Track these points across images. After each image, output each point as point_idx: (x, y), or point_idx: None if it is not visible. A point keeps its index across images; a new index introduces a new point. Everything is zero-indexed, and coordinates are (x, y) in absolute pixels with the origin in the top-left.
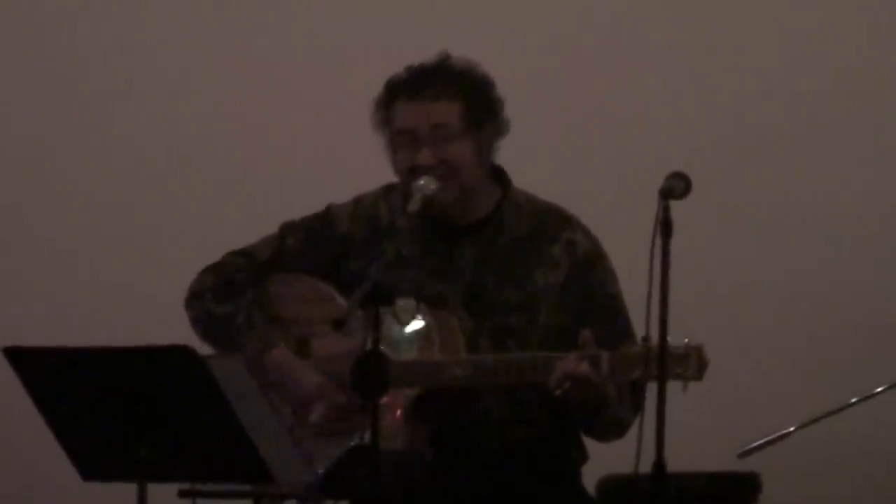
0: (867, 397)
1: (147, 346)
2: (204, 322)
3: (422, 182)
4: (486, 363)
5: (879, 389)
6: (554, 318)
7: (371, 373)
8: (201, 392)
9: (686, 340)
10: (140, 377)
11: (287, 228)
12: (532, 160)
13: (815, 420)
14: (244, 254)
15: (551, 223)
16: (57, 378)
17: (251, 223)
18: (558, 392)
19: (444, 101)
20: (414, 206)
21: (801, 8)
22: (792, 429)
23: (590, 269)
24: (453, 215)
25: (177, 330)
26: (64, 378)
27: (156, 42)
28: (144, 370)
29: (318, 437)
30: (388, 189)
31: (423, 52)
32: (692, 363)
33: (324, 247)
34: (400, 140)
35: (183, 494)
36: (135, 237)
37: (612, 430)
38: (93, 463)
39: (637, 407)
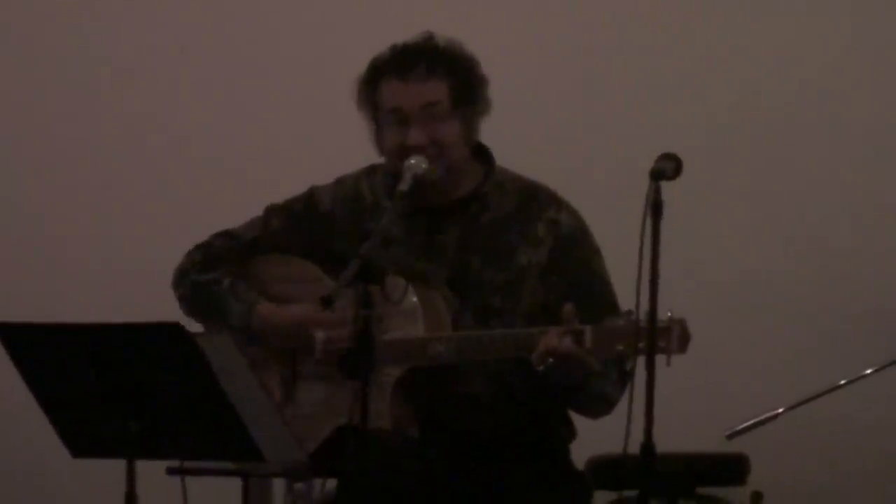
0: (856, 379)
1: (137, 323)
2: (189, 294)
3: (413, 161)
4: (469, 339)
5: (868, 371)
6: (538, 296)
7: (360, 351)
8: (191, 369)
9: (669, 314)
10: (130, 354)
11: (271, 210)
12: (523, 140)
13: (804, 402)
14: (229, 235)
15: (535, 202)
16: (46, 354)
17: (244, 205)
18: (541, 367)
19: (435, 79)
20: (405, 185)
21: None
22: (780, 410)
23: (574, 248)
24: (437, 194)
25: (170, 310)
26: (53, 354)
27: (146, 29)
28: (134, 347)
29: (313, 396)
30: (370, 169)
31: (409, 33)
32: (675, 336)
33: (307, 228)
34: (389, 119)
35: (172, 472)
36: (129, 218)
37: (598, 405)
38: (82, 440)
39: (623, 382)
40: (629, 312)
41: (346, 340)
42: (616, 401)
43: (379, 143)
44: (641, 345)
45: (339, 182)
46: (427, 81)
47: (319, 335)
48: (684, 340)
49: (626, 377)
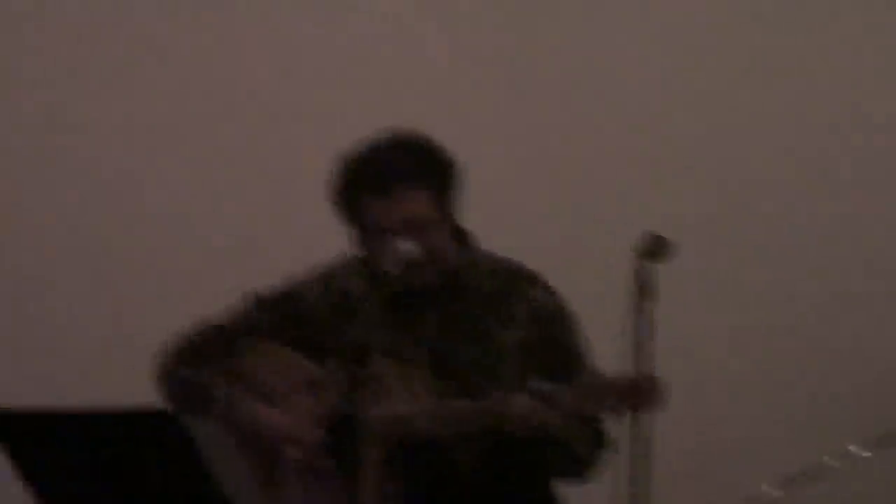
0: (843, 457)
1: (125, 410)
2: (174, 389)
3: (402, 246)
4: (445, 410)
5: (854, 450)
6: (519, 376)
7: (347, 437)
8: (180, 457)
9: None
10: (120, 441)
11: (256, 303)
12: (509, 218)
13: (794, 479)
14: (213, 327)
15: (513, 282)
16: (31, 440)
17: (225, 286)
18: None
19: (418, 192)
20: (394, 269)
21: (783, 61)
22: (771, 489)
23: (551, 327)
24: (418, 278)
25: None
26: (39, 441)
27: (145, 78)
28: (124, 434)
29: (299, 479)
30: (351, 260)
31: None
32: (647, 392)
33: (291, 323)
34: (374, 231)
35: None
36: (118, 297)
37: (569, 466)
38: None
39: (597, 444)
40: (604, 374)
41: (319, 462)
42: (589, 463)
43: (363, 245)
44: (617, 403)
45: (322, 276)
46: (411, 195)
47: (292, 454)
48: (658, 397)
49: (601, 440)
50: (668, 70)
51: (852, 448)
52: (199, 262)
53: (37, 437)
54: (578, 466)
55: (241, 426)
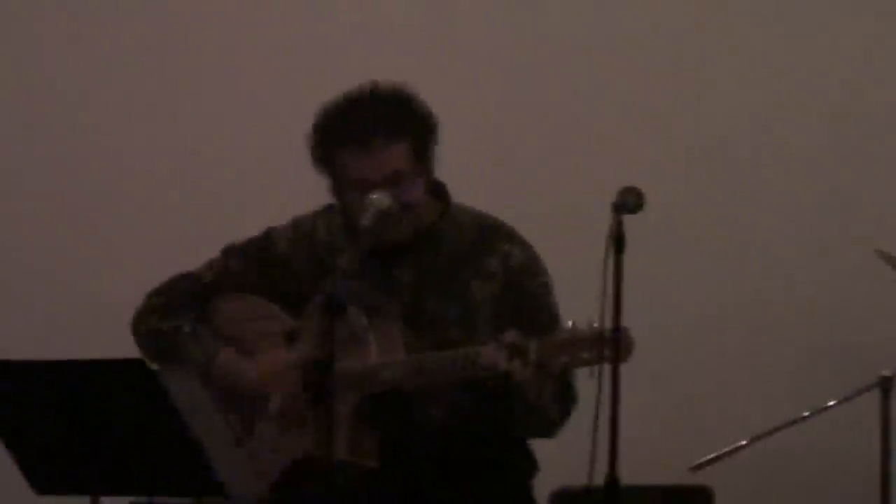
0: (819, 411)
1: (99, 360)
2: (149, 340)
3: (376, 196)
4: (416, 362)
5: (832, 403)
6: (492, 329)
7: (323, 384)
8: (153, 405)
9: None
10: (92, 390)
11: (229, 252)
12: (485, 173)
13: (768, 433)
14: (188, 276)
15: (488, 236)
16: (8, 391)
17: (204, 239)
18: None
19: (395, 146)
20: (368, 220)
21: (758, 25)
22: (744, 442)
23: (524, 282)
24: (395, 231)
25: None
26: (15, 391)
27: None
28: (96, 383)
29: (279, 430)
30: (326, 210)
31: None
32: (621, 344)
33: (264, 269)
34: (352, 185)
35: None
36: (93, 253)
37: (536, 421)
38: (46, 476)
39: (565, 398)
40: (573, 327)
41: (298, 410)
42: (556, 419)
43: (339, 197)
44: (586, 355)
45: (295, 223)
46: (388, 149)
47: (272, 405)
48: (627, 348)
49: (568, 394)
50: (645, 33)
51: (831, 403)
52: (181, 221)
53: (10, 385)
54: (547, 423)
55: (218, 381)
